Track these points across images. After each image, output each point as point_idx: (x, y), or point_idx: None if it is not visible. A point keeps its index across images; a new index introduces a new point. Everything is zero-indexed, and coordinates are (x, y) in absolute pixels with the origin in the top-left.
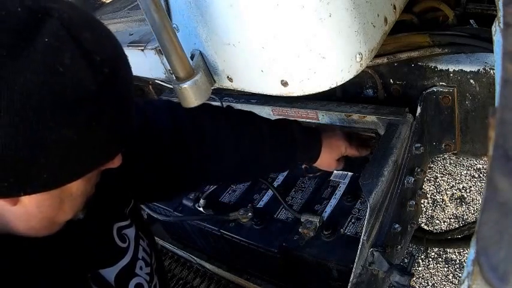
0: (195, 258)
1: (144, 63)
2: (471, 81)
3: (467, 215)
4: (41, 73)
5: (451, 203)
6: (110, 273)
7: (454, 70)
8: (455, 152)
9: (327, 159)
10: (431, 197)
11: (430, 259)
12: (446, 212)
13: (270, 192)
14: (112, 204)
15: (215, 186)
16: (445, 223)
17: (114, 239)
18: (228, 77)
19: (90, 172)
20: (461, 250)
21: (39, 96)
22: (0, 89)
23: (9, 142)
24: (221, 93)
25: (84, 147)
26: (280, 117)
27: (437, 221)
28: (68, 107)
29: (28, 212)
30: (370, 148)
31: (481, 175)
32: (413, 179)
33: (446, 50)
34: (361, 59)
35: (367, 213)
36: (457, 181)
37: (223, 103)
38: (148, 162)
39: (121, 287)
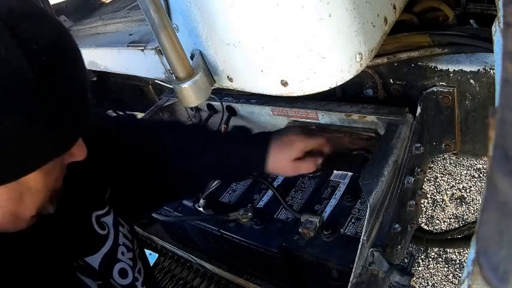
0: (195, 258)
1: (144, 63)
2: (471, 81)
3: (467, 215)
4: None
5: (451, 203)
6: (94, 260)
7: (454, 70)
8: (455, 152)
9: (280, 161)
10: (431, 197)
11: (430, 259)
12: (446, 212)
13: (270, 192)
14: (88, 194)
15: (215, 186)
16: (445, 223)
17: (93, 227)
18: (228, 77)
19: (45, 164)
20: (461, 250)
21: None
22: None
23: None
24: (221, 93)
25: (31, 138)
26: (280, 117)
27: (437, 221)
28: (6, 97)
29: None
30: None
31: (481, 175)
32: (413, 179)
33: (446, 50)
34: (361, 59)
35: (367, 213)
36: (457, 181)
37: (223, 103)
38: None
39: (105, 273)
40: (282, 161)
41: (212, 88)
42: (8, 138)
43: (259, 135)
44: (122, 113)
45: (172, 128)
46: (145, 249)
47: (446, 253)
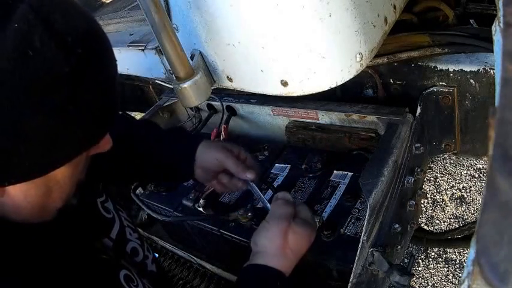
0: (195, 258)
1: (144, 63)
2: (471, 81)
3: (467, 215)
4: (11, 59)
5: (451, 203)
6: (108, 242)
7: (454, 70)
8: (455, 152)
9: (203, 166)
10: (431, 197)
11: (430, 259)
12: (446, 212)
13: (269, 192)
14: (92, 182)
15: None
16: (445, 223)
17: (101, 212)
18: (228, 77)
19: (75, 158)
20: (461, 250)
21: (11, 83)
22: None
23: None
24: (221, 93)
25: (65, 132)
26: (280, 117)
27: (437, 221)
28: (42, 91)
29: (16, 203)
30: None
31: (481, 175)
32: (413, 179)
33: (446, 50)
34: (361, 58)
35: (367, 213)
36: (457, 181)
37: (223, 103)
38: None
39: (120, 253)
40: (202, 170)
41: (212, 88)
42: (40, 133)
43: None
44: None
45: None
46: None
47: (446, 253)
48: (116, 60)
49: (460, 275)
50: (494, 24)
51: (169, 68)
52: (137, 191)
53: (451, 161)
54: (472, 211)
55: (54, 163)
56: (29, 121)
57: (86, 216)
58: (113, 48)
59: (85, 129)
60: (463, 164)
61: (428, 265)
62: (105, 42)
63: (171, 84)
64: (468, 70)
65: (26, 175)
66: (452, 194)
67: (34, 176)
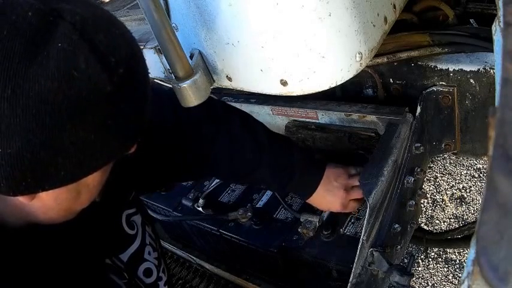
0: (194, 258)
1: None
2: (471, 80)
3: (467, 215)
4: (55, 79)
5: (451, 203)
6: (121, 260)
7: (454, 69)
8: (455, 151)
9: (324, 198)
10: (431, 197)
11: (430, 259)
12: (446, 212)
13: (269, 192)
14: (120, 193)
15: (214, 186)
16: (445, 223)
17: (123, 227)
18: (227, 76)
19: (107, 165)
20: (461, 250)
21: (54, 101)
22: (16, 96)
23: (26, 145)
24: (220, 92)
25: (101, 145)
26: (280, 116)
27: (437, 221)
28: (84, 110)
29: (46, 205)
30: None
31: (481, 175)
32: (413, 179)
33: (446, 50)
34: (361, 58)
35: (367, 213)
36: (457, 181)
37: None
38: (145, 153)
39: (131, 273)
40: (325, 199)
41: (211, 88)
42: (80, 146)
43: (311, 161)
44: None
45: (236, 127)
46: None
47: (446, 253)
48: (149, 76)
49: (460, 275)
50: (494, 23)
51: (168, 67)
52: None
53: (451, 161)
54: (472, 211)
55: (88, 171)
56: (70, 136)
57: (105, 230)
58: None
59: (119, 141)
60: (463, 164)
61: (428, 265)
62: (142, 60)
63: (170, 84)
64: (468, 70)
65: (60, 183)
66: (452, 194)
67: (67, 183)
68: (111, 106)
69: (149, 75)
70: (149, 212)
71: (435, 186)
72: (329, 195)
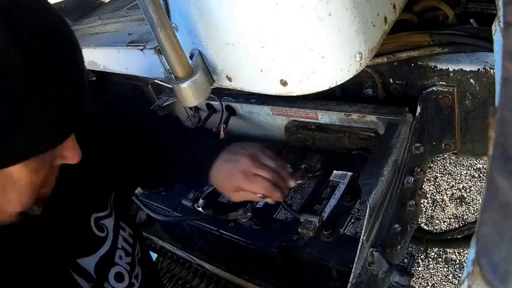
0: (194, 258)
1: (143, 63)
2: (471, 80)
3: (467, 215)
4: None
5: (451, 203)
6: (90, 262)
7: (454, 69)
8: (455, 151)
9: (220, 177)
10: (431, 197)
11: (430, 259)
12: (446, 212)
13: None
14: (89, 195)
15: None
16: (445, 223)
17: (91, 229)
18: (227, 76)
19: (28, 158)
20: (461, 250)
21: None
22: None
23: None
24: (220, 92)
25: (17, 127)
26: (280, 116)
27: (437, 221)
28: None
29: None
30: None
31: (481, 175)
32: (413, 179)
33: (446, 50)
34: (361, 58)
35: (367, 213)
36: (457, 181)
37: (223, 103)
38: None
39: (101, 276)
40: (221, 179)
41: (211, 88)
42: None
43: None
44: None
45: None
46: None
47: (446, 253)
48: (83, 68)
49: (460, 275)
50: (494, 23)
51: (168, 67)
52: (136, 191)
53: (451, 161)
54: (472, 211)
55: (6, 158)
56: None
57: (65, 230)
58: (112, 48)
59: (40, 128)
60: (463, 164)
61: (428, 265)
62: (68, 42)
63: (170, 84)
64: (468, 70)
65: None
66: (452, 194)
67: None
68: (22, 83)
69: (84, 71)
70: (149, 212)
71: (435, 186)
72: (224, 167)
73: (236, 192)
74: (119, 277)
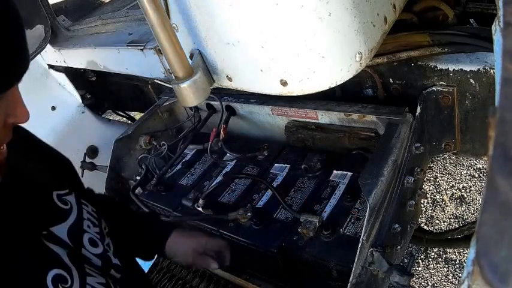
0: None
1: (144, 63)
2: (471, 80)
3: (467, 215)
4: None
5: (451, 203)
6: (61, 230)
7: (454, 69)
8: (455, 151)
9: (179, 246)
10: (431, 197)
11: (430, 259)
12: (446, 212)
13: (269, 192)
14: (48, 175)
15: (214, 186)
16: (445, 223)
17: (55, 202)
18: (227, 76)
19: None
20: (461, 250)
21: None
22: None
23: None
24: (220, 92)
25: None
26: (280, 116)
27: (437, 221)
28: None
29: None
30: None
31: (481, 175)
32: (413, 179)
33: (446, 49)
34: (361, 58)
35: (367, 213)
36: (457, 181)
37: (223, 103)
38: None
39: (75, 242)
40: (182, 246)
41: (211, 88)
42: None
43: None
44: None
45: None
46: None
47: (446, 253)
48: (21, 23)
49: (460, 275)
50: (494, 23)
51: (168, 67)
52: (136, 191)
53: (451, 161)
54: (472, 211)
55: None
56: None
57: (35, 204)
58: (112, 48)
59: None
60: (463, 164)
61: (428, 265)
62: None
63: (170, 84)
64: (468, 70)
65: None
66: (452, 194)
67: None
68: None
69: (20, 24)
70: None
71: (435, 186)
72: (180, 248)
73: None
74: (93, 243)
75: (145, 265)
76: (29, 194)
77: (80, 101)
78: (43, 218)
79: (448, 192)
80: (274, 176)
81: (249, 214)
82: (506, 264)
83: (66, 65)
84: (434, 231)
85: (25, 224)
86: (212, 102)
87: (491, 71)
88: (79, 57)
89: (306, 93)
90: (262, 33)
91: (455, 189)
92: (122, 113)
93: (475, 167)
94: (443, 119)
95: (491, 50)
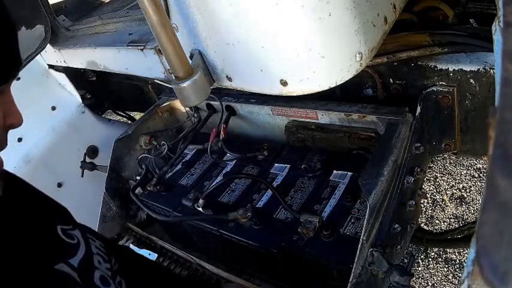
0: (195, 258)
1: (144, 63)
2: (471, 80)
3: (467, 215)
4: None
5: (451, 202)
6: (69, 267)
7: (453, 69)
8: (455, 151)
9: None
10: (431, 197)
11: (430, 259)
12: (446, 212)
13: (269, 192)
14: (50, 210)
15: (214, 186)
16: (445, 223)
17: (60, 236)
18: (227, 76)
19: None
20: (461, 250)
21: None
22: None
23: None
24: (220, 92)
25: None
26: (280, 116)
27: (437, 221)
28: None
29: None
30: None
31: (481, 175)
32: (413, 179)
33: (446, 49)
34: (361, 58)
35: (367, 213)
36: (457, 181)
37: (223, 103)
38: None
39: (86, 279)
40: None
41: (211, 88)
42: None
43: None
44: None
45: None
46: (144, 249)
47: (446, 253)
48: (14, 24)
49: (460, 275)
50: (494, 23)
51: (168, 67)
52: (136, 191)
53: (451, 161)
54: (472, 211)
55: None
56: None
57: (35, 236)
58: (112, 48)
59: None
60: (463, 164)
61: (428, 265)
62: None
63: (170, 84)
64: (468, 70)
65: None
66: (452, 193)
67: None
68: None
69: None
70: (149, 212)
71: (435, 186)
72: None
73: None
74: (104, 281)
75: None
76: (31, 224)
77: (80, 101)
78: (48, 252)
79: (448, 192)
80: (274, 176)
81: (249, 214)
82: (506, 264)
83: (66, 65)
84: (434, 231)
85: (28, 257)
86: (212, 102)
87: (491, 71)
88: (79, 57)
89: (306, 93)
90: (262, 33)
91: (455, 189)
92: (122, 113)
93: (475, 167)
94: (443, 119)
95: (491, 50)
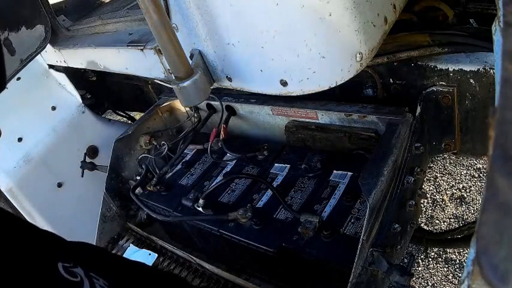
0: (194, 258)
1: (144, 63)
2: (471, 80)
3: (467, 215)
4: None
5: (451, 203)
6: None
7: (453, 69)
8: (455, 151)
9: None
10: (431, 197)
11: (430, 259)
12: (446, 212)
13: (269, 192)
14: (49, 243)
15: (214, 186)
16: (445, 223)
17: (62, 274)
18: (227, 76)
19: None
20: (461, 250)
21: None
22: None
23: None
24: (220, 92)
25: None
26: (280, 116)
27: (437, 221)
28: None
29: None
30: None
31: (481, 175)
32: (413, 179)
33: (446, 49)
34: (361, 58)
35: (367, 213)
36: (457, 181)
37: (223, 103)
38: None
39: None
40: None
41: (211, 88)
42: None
43: None
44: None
45: None
46: (144, 249)
47: (446, 253)
48: None
49: (460, 275)
50: (494, 23)
51: (168, 67)
52: (136, 191)
53: (451, 161)
54: (472, 211)
55: None
56: None
57: (39, 276)
58: (112, 48)
59: None
60: (463, 164)
61: (428, 265)
62: None
63: (170, 84)
64: (468, 70)
65: None
66: (452, 194)
67: None
68: None
69: None
70: (149, 212)
71: (435, 186)
72: None
73: None
74: None
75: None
76: (29, 262)
77: (80, 101)
78: None
79: (448, 192)
80: (274, 176)
81: (249, 214)
82: (506, 264)
83: (66, 65)
84: (434, 231)
85: None
86: (212, 102)
87: (491, 71)
88: (79, 57)
89: (306, 93)
90: (262, 33)
91: (455, 189)
92: (122, 113)
93: (475, 167)
94: (443, 119)
95: (491, 50)
